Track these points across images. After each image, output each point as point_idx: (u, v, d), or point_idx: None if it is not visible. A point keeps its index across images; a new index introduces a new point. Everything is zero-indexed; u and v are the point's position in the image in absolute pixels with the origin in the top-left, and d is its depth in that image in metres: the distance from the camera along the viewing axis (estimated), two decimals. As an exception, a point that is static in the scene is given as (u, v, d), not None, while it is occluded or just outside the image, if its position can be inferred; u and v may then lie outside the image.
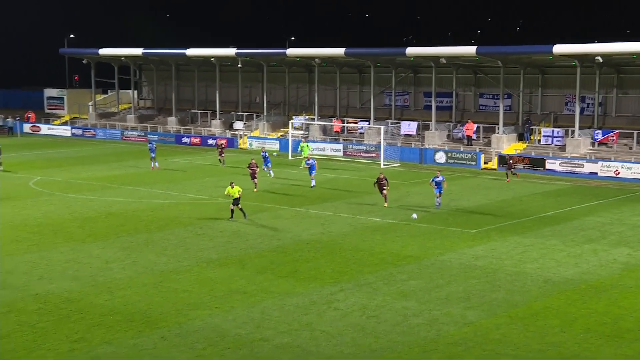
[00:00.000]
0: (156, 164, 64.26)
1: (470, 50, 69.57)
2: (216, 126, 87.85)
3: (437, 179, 46.70)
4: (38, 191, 54.02)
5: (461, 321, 26.64)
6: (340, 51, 76.47)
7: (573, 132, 66.22)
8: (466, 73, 77.42)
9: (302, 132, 79.53)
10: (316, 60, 79.45)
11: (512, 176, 58.74)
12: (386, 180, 47.23)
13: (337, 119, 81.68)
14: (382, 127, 71.10)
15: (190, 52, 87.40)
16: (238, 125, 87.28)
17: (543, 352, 23.94)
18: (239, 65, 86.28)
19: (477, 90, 77.94)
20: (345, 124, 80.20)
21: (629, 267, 33.86)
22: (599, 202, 50.48)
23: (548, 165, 63.29)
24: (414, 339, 25.03)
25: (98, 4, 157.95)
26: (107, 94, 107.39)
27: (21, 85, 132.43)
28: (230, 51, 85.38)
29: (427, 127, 73.97)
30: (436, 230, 41.09)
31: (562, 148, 66.41)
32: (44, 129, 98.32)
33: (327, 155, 73.70)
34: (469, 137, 71.61)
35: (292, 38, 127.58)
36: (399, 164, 68.56)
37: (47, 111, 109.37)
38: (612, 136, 65.24)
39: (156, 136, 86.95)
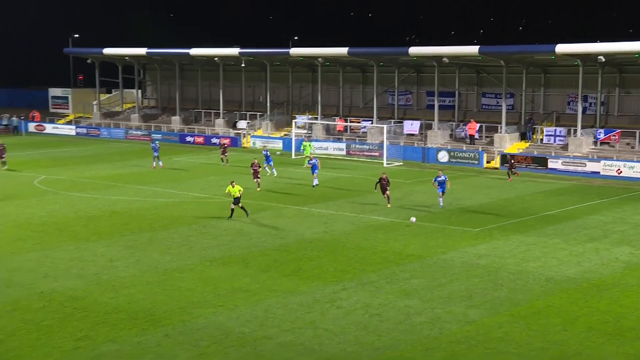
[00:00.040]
0: (160, 162, 64.44)
1: (473, 49, 69.63)
2: (220, 125, 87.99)
3: (439, 179, 46.73)
4: (43, 190, 54.21)
5: (463, 319, 26.73)
6: (343, 51, 76.58)
7: (575, 131, 66.31)
8: (469, 72, 77.51)
9: (305, 131, 79.66)
10: (319, 59, 79.59)
11: (513, 175, 58.88)
12: (388, 181, 47.35)
13: (340, 118, 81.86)
14: (385, 126, 71.25)
15: (194, 51, 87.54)
16: (241, 124, 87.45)
17: (545, 351, 24.01)
18: (243, 65, 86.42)
19: (480, 89, 78.05)
20: (348, 123, 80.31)
21: (630, 266, 33.94)
22: (601, 201, 50.57)
23: (550, 165, 63.41)
24: (416, 337, 25.12)
25: (99, 3, 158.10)
26: (111, 93, 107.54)
27: (26, 85, 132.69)
28: (234, 51, 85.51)
29: (429, 127, 74.09)
30: (439, 229, 41.19)
31: (565, 147, 66.51)
32: (49, 128, 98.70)
33: (330, 155, 73.86)
34: (471, 136, 71.71)
35: (295, 38, 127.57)
36: (401, 163, 68.68)
37: (51, 110, 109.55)
38: (615, 135, 65.37)
39: (160, 135, 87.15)
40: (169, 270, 32.97)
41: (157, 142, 67.67)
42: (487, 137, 71.93)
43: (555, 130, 68.79)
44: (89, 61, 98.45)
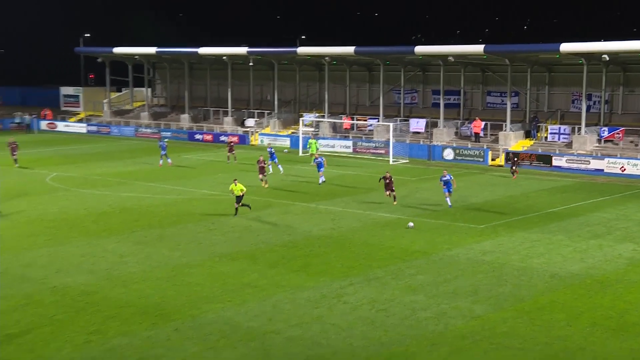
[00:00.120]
0: (169, 160, 64.71)
1: (478, 48, 69.84)
2: (228, 123, 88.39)
3: (444, 178, 46.72)
4: (54, 187, 54.61)
5: (469, 315, 26.92)
6: (350, 50, 76.85)
7: (579, 129, 66.51)
8: (474, 71, 77.67)
9: (312, 129, 79.96)
10: (326, 58, 79.86)
11: (514, 173, 59.12)
12: (391, 179, 47.42)
13: (346, 116, 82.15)
14: (391, 124, 71.55)
15: (203, 50, 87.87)
16: (249, 122, 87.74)
17: (549, 346, 24.15)
18: (251, 64, 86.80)
19: (485, 88, 78.25)
20: (355, 121, 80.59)
21: (634, 262, 34.10)
22: (605, 198, 50.69)
23: (555, 162, 63.66)
24: (422, 332, 25.32)
25: (110, 3, 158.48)
26: (121, 92, 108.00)
27: (39, 83, 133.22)
28: (242, 50, 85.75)
29: (435, 125, 74.37)
30: (444, 226, 41.41)
31: (569, 145, 66.73)
32: (60, 126, 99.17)
33: (337, 152, 74.18)
34: (476, 134, 71.99)
35: (303, 37, 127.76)
36: (407, 161, 68.98)
37: (63, 109, 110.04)
38: (618, 133, 65.58)
39: (169, 133, 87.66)
40: (178, 266, 33.24)
41: (165, 140, 68.04)
42: (492, 135, 72.14)
43: (560, 128, 69.01)
44: (99, 60, 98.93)
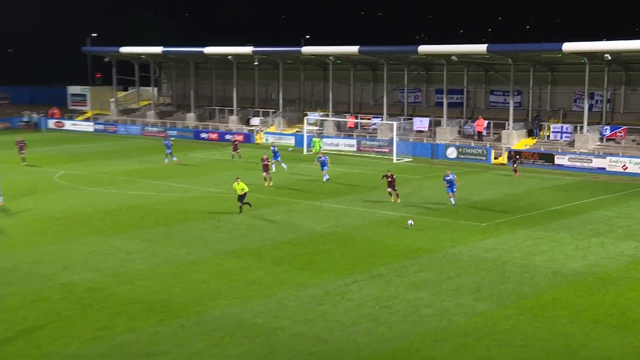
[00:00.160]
0: (174, 158, 64.90)
1: (481, 48, 70.10)
2: (233, 122, 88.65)
3: (447, 178, 46.66)
4: (62, 185, 54.90)
5: (471, 312, 27.07)
6: (354, 49, 77.08)
7: (582, 128, 66.68)
8: (477, 70, 77.78)
9: (316, 128, 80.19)
10: (330, 58, 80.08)
11: (514, 170, 59.34)
12: (393, 178, 47.47)
13: (350, 115, 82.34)
14: (395, 123, 71.65)
15: (208, 50, 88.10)
16: (254, 121, 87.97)
17: (551, 342, 24.26)
18: (256, 63, 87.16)
19: (488, 87, 78.36)
20: (359, 120, 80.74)
21: (635, 260, 34.22)
22: (607, 196, 50.76)
23: (557, 161, 63.81)
24: (425, 329, 25.48)
25: (117, 3, 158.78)
26: (127, 91, 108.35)
27: (46, 83, 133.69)
28: (247, 49, 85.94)
29: (438, 123, 74.59)
30: (447, 224, 41.56)
31: (571, 144, 66.91)
32: (68, 124, 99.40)
33: (341, 151, 74.40)
34: (479, 133, 72.17)
35: (307, 36, 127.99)
36: (411, 159, 69.14)
37: (70, 108, 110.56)
38: (620, 132, 65.77)
39: (175, 132, 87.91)
40: (184, 263, 33.44)
41: (170, 138, 68.32)
42: (494, 133, 72.26)
43: (562, 127, 69.17)
44: (106, 60, 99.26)
